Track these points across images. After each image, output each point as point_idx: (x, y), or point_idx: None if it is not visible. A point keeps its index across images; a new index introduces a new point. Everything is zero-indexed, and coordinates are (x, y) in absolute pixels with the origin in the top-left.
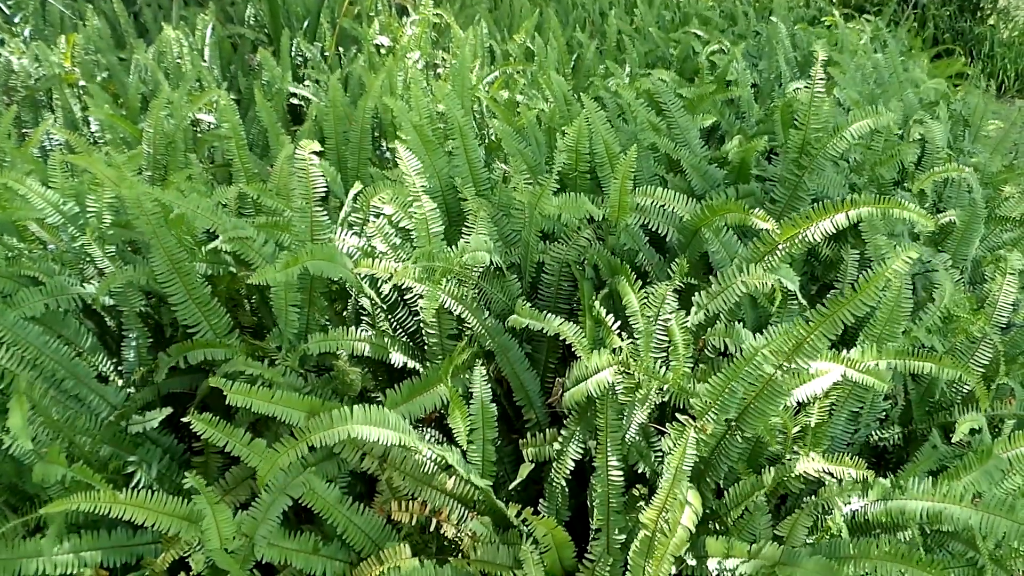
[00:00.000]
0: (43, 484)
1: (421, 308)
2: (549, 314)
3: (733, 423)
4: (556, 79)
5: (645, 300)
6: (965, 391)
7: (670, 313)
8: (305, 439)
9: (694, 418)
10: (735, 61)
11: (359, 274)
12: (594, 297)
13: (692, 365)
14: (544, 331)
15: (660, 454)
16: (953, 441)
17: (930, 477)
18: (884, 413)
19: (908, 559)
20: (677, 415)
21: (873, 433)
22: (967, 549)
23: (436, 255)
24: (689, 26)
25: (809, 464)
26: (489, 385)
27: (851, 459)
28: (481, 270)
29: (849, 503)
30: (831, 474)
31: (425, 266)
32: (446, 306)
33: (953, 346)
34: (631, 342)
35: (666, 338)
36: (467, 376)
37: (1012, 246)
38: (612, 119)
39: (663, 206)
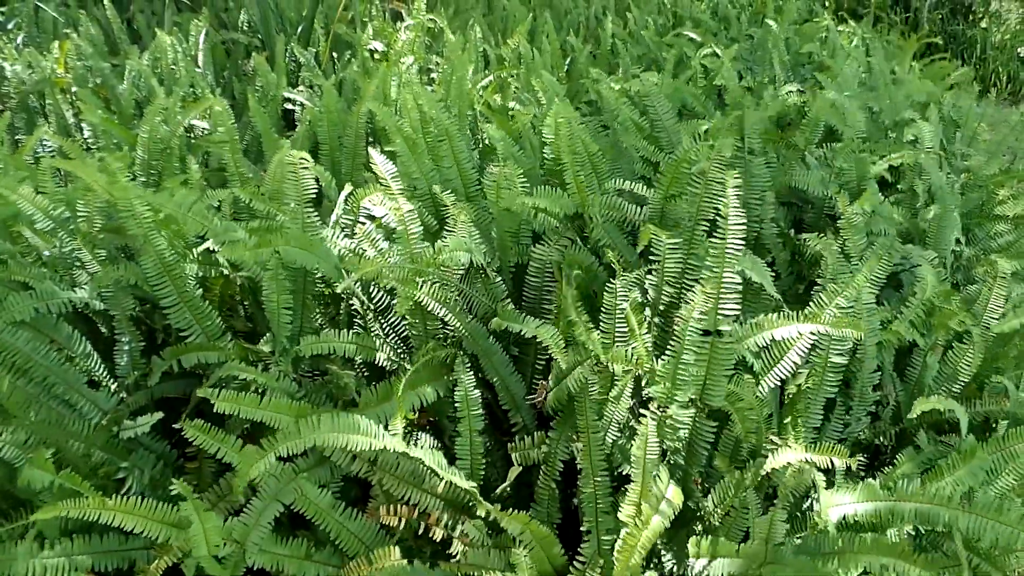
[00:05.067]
0: (31, 490)
1: (397, 306)
2: (528, 316)
3: (697, 402)
4: (549, 80)
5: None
6: (956, 390)
7: (623, 299)
8: (272, 448)
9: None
10: (726, 64)
11: (350, 277)
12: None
13: (654, 343)
14: (525, 333)
15: None
16: (910, 416)
17: (918, 477)
18: (873, 406)
19: (897, 552)
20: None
21: (864, 431)
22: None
23: (414, 255)
24: (682, 30)
25: (788, 455)
26: (472, 374)
27: (831, 447)
28: (462, 272)
29: (837, 504)
30: (813, 464)
31: (398, 266)
32: (429, 308)
33: (935, 342)
34: (600, 335)
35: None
36: (448, 376)
37: (1007, 248)
38: (608, 122)
39: (631, 191)
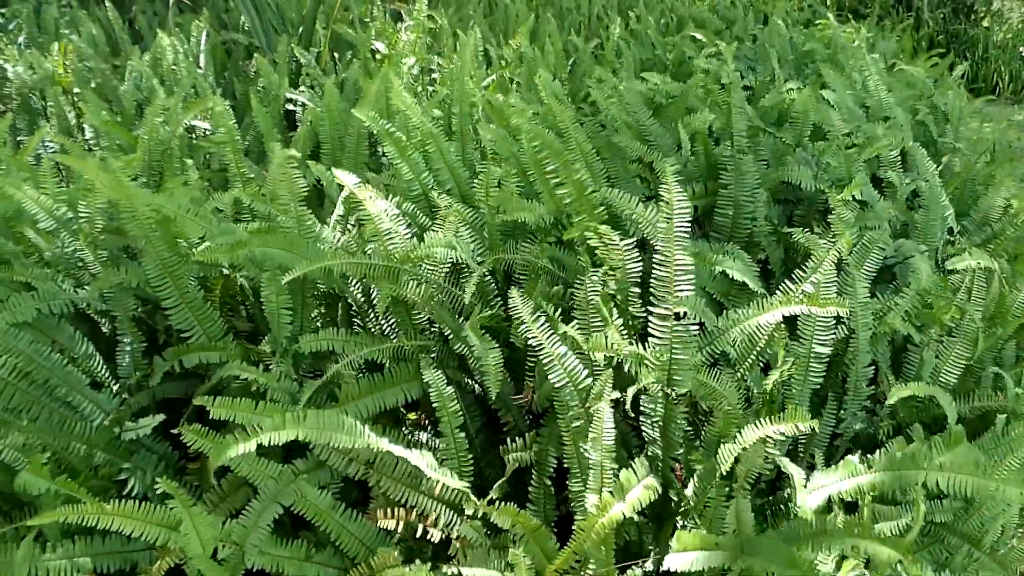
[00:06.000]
0: (27, 494)
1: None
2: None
3: (666, 389)
4: (546, 80)
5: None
6: (951, 384)
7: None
8: (256, 436)
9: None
10: (727, 63)
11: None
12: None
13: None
14: (475, 351)
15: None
16: (889, 402)
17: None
18: (869, 401)
19: (866, 534)
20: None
21: (860, 426)
22: (961, 542)
23: (389, 252)
24: (685, 30)
25: (756, 431)
26: (442, 373)
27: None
28: (448, 270)
29: (819, 487)
30: (782, 434)
31: (373, 264)
32: (410, 304)
33: (931, 338)
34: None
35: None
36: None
37: (998, 235)
38: (604, 122)
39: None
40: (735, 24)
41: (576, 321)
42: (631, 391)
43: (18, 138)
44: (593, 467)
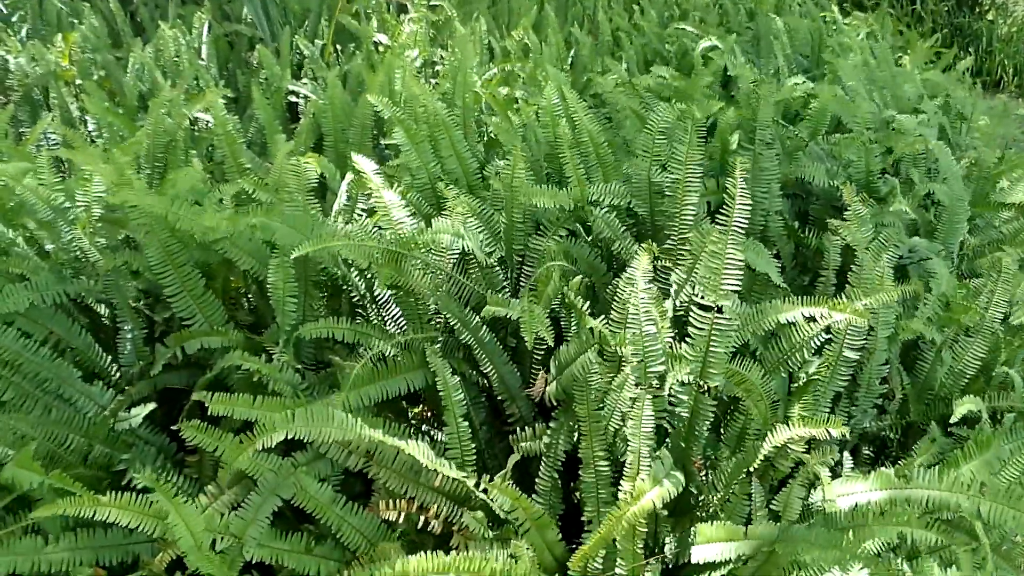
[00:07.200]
0: (18, 487)
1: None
2: (515, 300)
3: (696, 379)
4: (553, 73)
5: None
6: (963, 383)
7: (644, 295)
8: (251, 444)
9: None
10: (732, 55)
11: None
12: (567, 286)
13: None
14: (510, 316)
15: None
16: (952, 421)
17: (930, 467)
18: (881, 399)
19: (911, 522)
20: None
21: (870, 423)
22: (969, 540)
23: (400, 240)
24: (687, 22)
25: (786, 432)
26: (447, 362)
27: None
28: (455, 260)
29: (848, 493)
30: (812, 438)
31: (377, 246)
32: (414, 290)
33: (947, 337)
34: (605, 320)
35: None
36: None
37: (1012, 236)
38: (611, 113)
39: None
40: (731, 18)
41: (613, 314)
42: (669, 379)
43: (20, 129)
44: (632, 453)
